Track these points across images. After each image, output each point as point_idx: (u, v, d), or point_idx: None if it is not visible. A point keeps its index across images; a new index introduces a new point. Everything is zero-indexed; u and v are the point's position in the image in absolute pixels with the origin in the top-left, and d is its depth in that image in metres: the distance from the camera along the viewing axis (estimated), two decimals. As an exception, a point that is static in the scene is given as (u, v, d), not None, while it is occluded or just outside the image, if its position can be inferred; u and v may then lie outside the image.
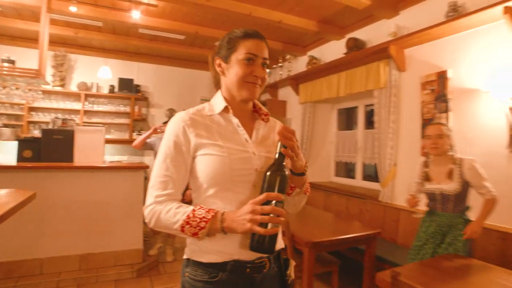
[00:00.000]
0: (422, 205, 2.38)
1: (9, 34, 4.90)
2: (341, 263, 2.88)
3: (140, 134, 5.63)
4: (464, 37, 2.79)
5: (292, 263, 1.12)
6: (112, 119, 5.59)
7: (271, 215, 0.87)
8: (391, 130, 3.40)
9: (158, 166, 0.99)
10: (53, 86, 5.21)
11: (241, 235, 0.96)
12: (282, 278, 1.08)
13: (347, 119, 4.92)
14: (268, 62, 1.05)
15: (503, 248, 2.43)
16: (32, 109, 5.13)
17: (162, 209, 0.93)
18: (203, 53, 5.39)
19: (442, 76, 2.93)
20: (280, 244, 1.07)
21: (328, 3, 3.42)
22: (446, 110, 2.88)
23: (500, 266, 2.06)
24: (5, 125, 4.68)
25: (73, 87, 5.46)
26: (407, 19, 3.36)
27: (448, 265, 1.97)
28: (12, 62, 3.88)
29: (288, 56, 5.27)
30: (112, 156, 5.45)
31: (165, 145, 1.00)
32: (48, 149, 3.42)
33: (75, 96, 5.41)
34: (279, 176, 0.92)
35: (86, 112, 5.42)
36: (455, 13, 2.75)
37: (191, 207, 0.94)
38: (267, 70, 1.07)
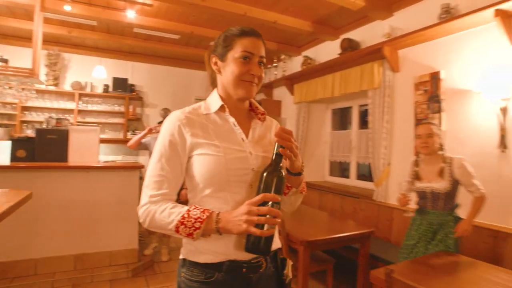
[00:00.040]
0: (413, 204, 2.42)
1: (1, 32, 4.85)
2: (336, 262, 2.91)
3: (134, 134, 5.61)
4: (456, 39, 2.84)
5: (289, 262, 1.11)
6: (106, 118, 5.56)
7: (268, 216, 0.86)
8: (385, 130, 3.44)
9: (153, 166, 0.98)
10: (46, 85, 5.17)
11: (237, 235, 0.94)
12: (279, 278, 1.07)
13: (341, 119, 4.96)
14: (265, 60, 1.04)
15: (494, 246, 2.47)
16: (25, 108, 5.08)
17: (157, 209, 0.92)
18: (198, 52, 5.39)
19: (435, 77, 2.97)
20: (276, 243, 1.07)
21: (322, 4, 3.44)
22: (439, 111, 2.92)
23: (491, 263, 2.11)
24: (-2, 125, 4.64)
25: (66, 87, 5.42)
26: (401, 21, 3.40)
27: (439, 262, 2.01)
28: (5, 61, 3.85)
29: (283, 56, 5.29)
30: (106, 155, 5.43)
31: (160, 144, 0.99)
32: (42, 148, 3.39)
33: (69, 96, 5.37)
34: (276, 177, 0.91)
35: (80, 111, 5.38)
36: (448, 15, 2.79)
37: (185, 207, 0.93)
38: (264, 69, 1.05)
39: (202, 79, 6.38)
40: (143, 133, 3.87)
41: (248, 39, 1.00)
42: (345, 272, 3.49)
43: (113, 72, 5.59)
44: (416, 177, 2.37)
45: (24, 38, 4.85)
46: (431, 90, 3.01)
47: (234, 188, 0.97)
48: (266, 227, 0.86)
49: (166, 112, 5.97)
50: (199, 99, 6.26)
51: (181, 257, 1.04)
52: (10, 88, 3.59)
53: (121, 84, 5.64)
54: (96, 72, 5.15)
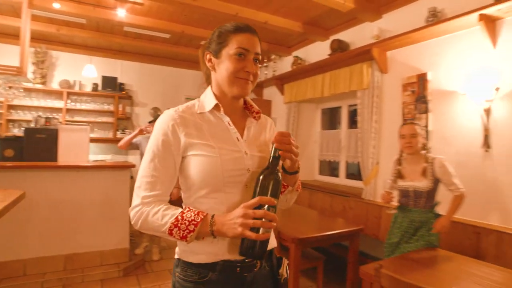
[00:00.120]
0: (394, 201, 2.49)
1: (-13, 29, 4.75)
2: (326, 259, 2.97)
3: (124, 133, 5.58)
4: (442, 42, 2.93)
5: (285, 261, 1.10)
6: (95, 117, 5.50)
7: (263, 220, 0.84)
8: (373, 130, 3.51)
9: (145, 166, 0.95)
10: (33, 83, 5.08)
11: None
12: (274, 277, 1.05)
13: (331, 119, 5.03)
14: (260, 57, 1.01)
15: (477, 242, 2.57)
16: (11, 107, 4.98)
17: (150, 211, 0.90)
18: (188, 52, 5.38)
19: (422, 78, 3.06)
20: (272, 243, 1.05)
21: (313, 5, 3.49)
22: (426, 111, 3.01)
23: (474, 258, 2.21)
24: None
25: (54, 85, 5.34)
26: (390, 23, 3.47)
27: (424, 257, 2.10)
28: (-9, 58, 3.78)
29: (273, 56, 5.33)
30: (95, 155, 5.39)
31: (153, 144, 0.96)
32: (31, 148, 3.36)
33: (57, 94, 5.29)
34: (272, 180, 0.90)
35: (68, 110, 5.30)
36: (435, 18, 2.87)
37: (179, 209, 0.91)
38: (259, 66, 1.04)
39: (192, 78, 6.37)
40: (133, 133, 3.85)
41: (243, 35, 0.98)
42: (335, 269, 3.56)
43: (102, 71, 5.53)
44: (399, 175, 2.44)
45: (10, 35, 4.76)
46: (418, 91, 3.09)
47: (229, 189, 0.96)
48: (261, 231, 0.84)
49: (156, 111, 5.96)
50: (189, 98, 6.23)
51: (175, 256, 1.02)
52: (-3, 86, 3.54)
53: (110, 83, 5.58)
54: (86, 71, 5.09)
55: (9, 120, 4.98)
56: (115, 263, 3.38)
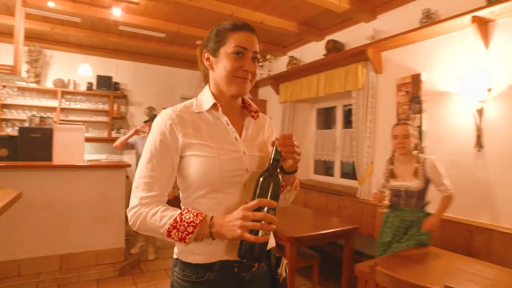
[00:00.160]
0: (386, 200, 2.53)
1: (-20, 27, 4.70)
2: (321, 257, 3.00)
3: (119, 133, 5.56)
4: (436, 43, 2.97)
5: (284, 261, 1.09)
6: (90, 117, 5.47)
7: (263, 222, 0.83)
8: (368, 130, 3.55)
9: (143, 166, 0.94)
10: (27, 82, 5.04)
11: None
12: (272, 277, 1.05)
13: (326, 119, 5.06)
14: (258, 56, 1.00)
15: (470, 240, 2.61)
16: (4, 106, 4.94)
17: (148, 212, 0.89)
18: (184, 51, 5.38)
19: (416, 79, 3.10)
20: (271, 243, 1.04)
21: (308, 5, 3.51)
22: (419, 111, 3.05)
23: (467, 255, 2.25)
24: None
25: (48, 84, 5.30)
26: (384, 24, 3.51)
27: (417, 255, 2.15)
28: (-15, 57, 3.75)
29: (268, 56, 5.35)
30: (90, 154, 5.36)
31: (151, 144, 0.95)
32: (25, 147, 3.34)
33: (51, 93, 5.25)
34: (272, 182, 0.89)
35: (62, 109, 5.27)
36: (429, 19, 2.91)
37: (178, 211, 0.90)
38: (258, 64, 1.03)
39: (187, 78, 6.36)
40: (129, 134, 3.84)
41: (241, 33, 0.96)
42: (330, 267, 3.59)
43: (97, 70, 5.50)
44: (391, 175, 2.47)
45: (4, 34, 4.72)
46: (412, 92, 3.13)
47: (228, 189, 0.96)
48: (260, 233, 0.84)
49: (151, 110, 5.94)
50: (184, 98, 6.25)
51: (174, 256, 1.02)
52: (-9, 85, 3.52)
53: (105, 82, 5.55)
54: (82, 70, 5.05)
55: (2, 119, 4.94)
56: (111, 263, 3.37)
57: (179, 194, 1.03)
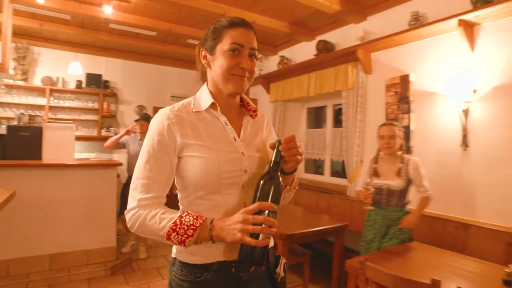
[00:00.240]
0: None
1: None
2: (312, 254, 3.04)
3: (109, 131, 5.52)
4: (424, 45, 3.04)
5: (282, 260, 1.08)
6: (79, 115, 5.40)
7: (263, 225, 0.82)
8: (358, 129, 3.61)
9: (141, 167, 0.92)
10: (14, 80, 4.95)
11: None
12: (271, 277, 1.04)
13: (316, 118, 5.12)
14: (256, 53, 0.98)
15: (456, 236, 2.70)
16: (-10, 103, 4.86)
17: (147, 214, 0.88)
18: (175, 50, 5.36)
19: (404, 80, 3.17)
20: (270, 242, 1.01)
21: (299, 6, 3.54)
22: (408, 111, 3.12)
23: (453, 251, 2.32)
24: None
25: (36, 82, 5.22)
26: (374, 25, 3.58)
27: (405, 251, 2.23)
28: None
29: (259, 56, 5.37)
30: (79, 153, 5.30)
31: (148, 144, 0.93)
32: (14, 146, 3.30)
33: (39, 91, 5.17)
34: (273, 185, 0.88)
35: (51, 107, 5.20)
36: (417, 22, 2.99)
37: (177, 213, 0.88)
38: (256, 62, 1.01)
39: (177, 76, 6.34)
40: (120, 134, 3.83)
41: (238, 30, 0.94)
42: (321, 264, 3.65)
43: (86, 68, 5.44)
44: (374, 173, 2.52)
45: (-10, 30, 4.62)
46: (401, 92, 3.20)
47: (226, 190, 0.95)
48: (261, 236, 0.82)
49: (141, 109, 5.92)
50: (174, 96, 6.23)
51: (172, 255, 1.01)
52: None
53: (94, 80, 5.50)
54: (72, 68, 4.98)
55: (-12, 118, 4.84)
56: (102, 262, 3.36)
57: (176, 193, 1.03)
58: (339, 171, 4.48)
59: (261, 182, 0.89)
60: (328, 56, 3.90)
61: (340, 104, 3.95)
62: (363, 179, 2.59)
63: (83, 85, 5.43)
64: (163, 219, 0.86)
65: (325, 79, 3.99)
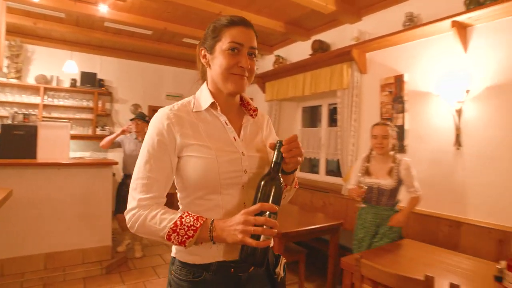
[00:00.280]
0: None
1: (-43, 21, 4.54)
2: (307, 252, 3.07)
3: (104, 130, 5.49)
4: (418, 45, 3.08)
5: (282, 260, 1.07)
6: (73, 114, 5.37)
7: (264, 226, 0.82)
8: (352, 128, 3.65)
9: (140, 167, 0.92)
10: (8, 78, 4.91)
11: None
12: (270, 277, 1.03)
13: (311, 117, 5.15)
14: (256, 51, 0.97)
15: (449, 234, 2.75)
16: (-16, 102, 4.81)
17: (147, 214, 0.87)
18: (170, 48, 5.35)
19: (399, 80, 3.21)
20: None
21: (295, 6, 3.57)
22: (402, 111, 3.16)
23: (446, 248, 2.37)
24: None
25: (30, 80, 5.17)
26: (369, 25, 3.61)
27: (398, 248, 2.26)
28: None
29: (255, 55, 5.38)
30: (74, 152, 5.26)
31: (148, 144, 0.93)
32: (8, 145, 3.27)
33: (33, 90, 5.13)
34: (274, 186, 0.88)
35: (45, 106, 5.16)
36: (411, 23, 3.02)
37: (178, 214, 0.88)
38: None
39: (172, 75, 6.33)
40: (116, 133, 3.82)
41: (237, 28, 0.93)
42: (316, 262, 3.68)
43: (81, 66, 5.40)
44: (366, 172, 2.54)
45: (-17, 28, 4.57)
46: (395, 92, 3.24)
47: (226, 190, 0.94)
48: (262, 237, 0.82)
49: (136, 107, 5.90)
50: (170, 95, 6.22)
51: (172, 255, 1.01)
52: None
53: (89, 79, 5.47)
54: (67, 67, 4.95)
55: (-19, 116, 4.79)
56: (97, 261, 3.35)
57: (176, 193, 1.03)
58: (334, 170, 4.51)
59: (262, 183, 0.89)
60: (324, 55, 3.93)
61: (335, 104, 3.98)
62: (354, 177, 2.61)
63: (78, 83, 5.40)
64: (164, 220, 0.86)
65: (320, 79, 4.02)
